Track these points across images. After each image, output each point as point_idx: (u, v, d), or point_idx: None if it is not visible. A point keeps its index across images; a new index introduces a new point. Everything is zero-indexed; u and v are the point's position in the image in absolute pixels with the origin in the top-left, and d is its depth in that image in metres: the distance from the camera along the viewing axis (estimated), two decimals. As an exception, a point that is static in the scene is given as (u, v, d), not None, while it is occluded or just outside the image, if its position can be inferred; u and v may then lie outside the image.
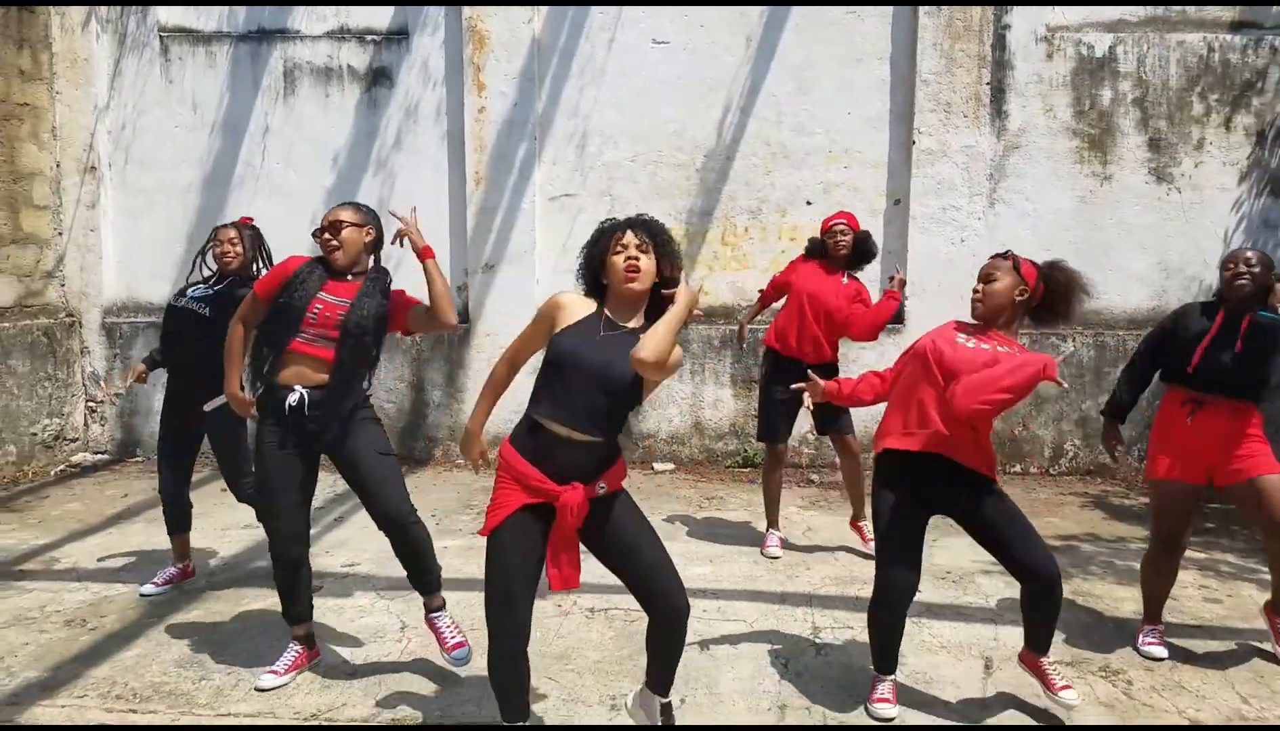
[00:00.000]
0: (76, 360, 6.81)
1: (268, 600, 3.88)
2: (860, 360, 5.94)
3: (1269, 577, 4.23)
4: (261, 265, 4.01)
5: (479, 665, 3.18)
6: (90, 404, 6.87)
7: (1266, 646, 3.50)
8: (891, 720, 2.93)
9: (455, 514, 5.34)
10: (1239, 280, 3.23)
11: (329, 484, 5.12)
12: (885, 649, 3.00)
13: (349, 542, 4.61)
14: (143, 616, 3.76)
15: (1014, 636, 3.52)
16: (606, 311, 2.46)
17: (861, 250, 4.50)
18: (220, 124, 6.73)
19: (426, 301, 3.11)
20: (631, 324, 2.46)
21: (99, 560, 4.46)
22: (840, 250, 4.45)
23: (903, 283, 4.34)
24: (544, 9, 6.37)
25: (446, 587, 3.29)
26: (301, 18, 6.61)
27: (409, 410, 6.65)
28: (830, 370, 4.48)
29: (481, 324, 6.52)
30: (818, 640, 3.56)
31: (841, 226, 4.45)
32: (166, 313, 3.97)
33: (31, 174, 6.60)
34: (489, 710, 2.96)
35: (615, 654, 3.41)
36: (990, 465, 2.89)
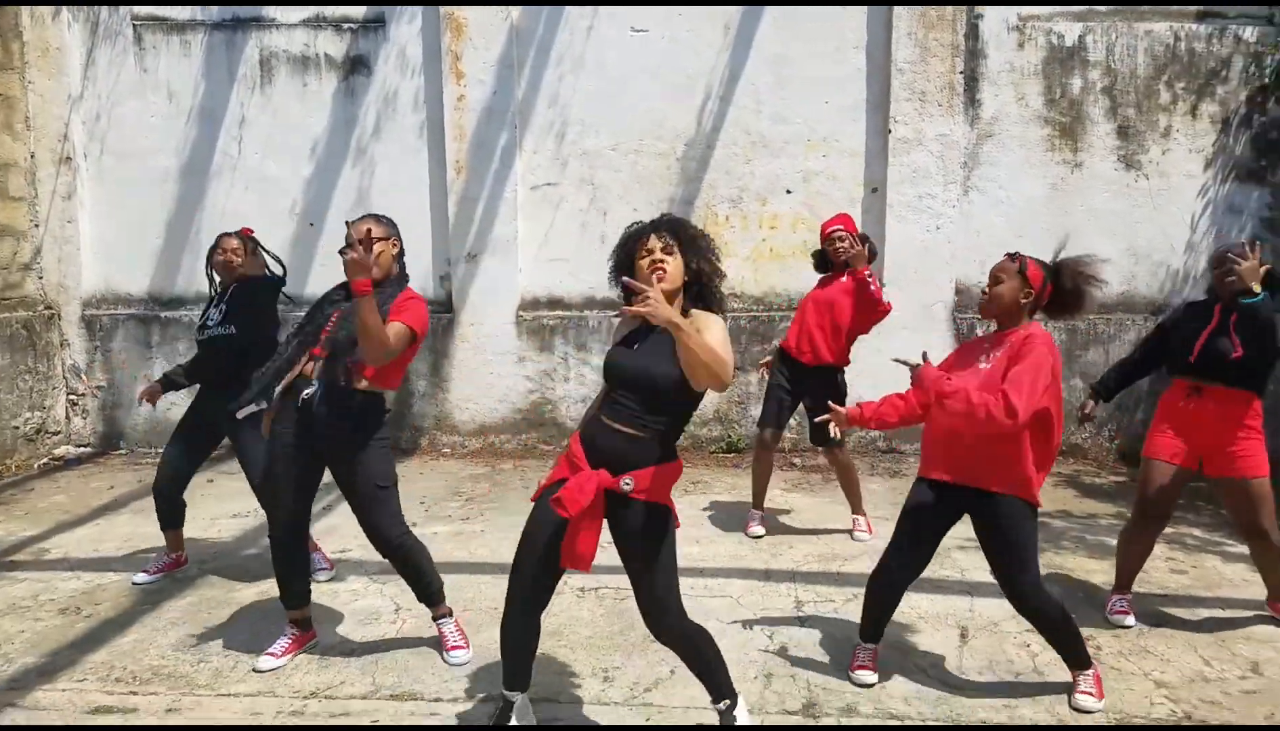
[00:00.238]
0: (56, 353, 6.76)
1: (261, 586, 3.94)
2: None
3: (1233, 549, 4.42)
4: (267, 266, 4.06)
5: (478, 661, 3.27)
6: (71, 397, 6.84)
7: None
8: (871, 685, 3.05)
9: (444, 501, 5.40)
10: (1229, 278, 3.35)
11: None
12: (876, 620, 3.14)
13: (339, 529, 4.66)
14: (137, 603, 3.80)
15: (989, 607, 3.67)
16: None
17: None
18: (196, 113, 6.69)
19: (406, 320, 3.03)
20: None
21: (95, 549, 4.48)
22: (840, 256, 4.52)
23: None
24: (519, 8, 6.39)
25: (438, 571, 3.35)
26: (277, 6, 6.59)
27: (394, 400, 6.65)
28: (830, 374, 4.55)
29: (465, 313, 6.55)
30: (801, 613, 3.68)
31: (839, 232, 4.53)
32: (198, 348, 3.99)
33: (6, 165, 6.53)
34: (484, 684, 3.04)
35: (605, 629, 3.51)
36: (1021, 485, 2.82)
